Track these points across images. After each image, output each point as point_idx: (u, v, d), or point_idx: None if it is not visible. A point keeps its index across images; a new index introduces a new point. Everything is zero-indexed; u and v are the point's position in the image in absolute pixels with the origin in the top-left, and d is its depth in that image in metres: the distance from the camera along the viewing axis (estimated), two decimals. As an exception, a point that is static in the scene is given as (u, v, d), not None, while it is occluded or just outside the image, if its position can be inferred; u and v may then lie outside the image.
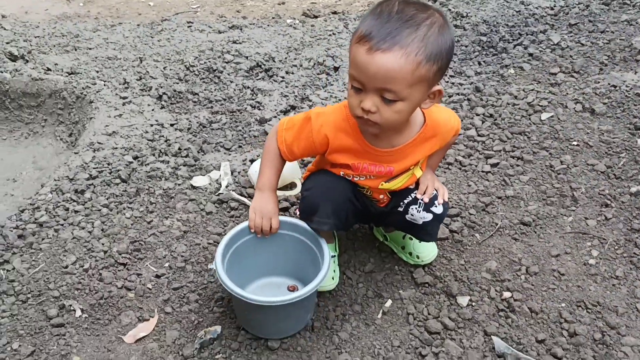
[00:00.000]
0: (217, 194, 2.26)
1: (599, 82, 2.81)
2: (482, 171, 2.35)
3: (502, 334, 1.67)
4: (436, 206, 1.70)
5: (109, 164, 2.42)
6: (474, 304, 1.77)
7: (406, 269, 1.92)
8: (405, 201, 1.71)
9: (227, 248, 1.68)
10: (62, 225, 2.10)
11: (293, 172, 2.25)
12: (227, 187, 2.28)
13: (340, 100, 2.87)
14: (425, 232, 1.77)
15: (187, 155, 2.48)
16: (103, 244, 2.01)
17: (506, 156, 2.43)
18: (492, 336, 1.66)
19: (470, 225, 2.09)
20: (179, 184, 2.32)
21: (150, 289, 1.86)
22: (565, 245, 1.98)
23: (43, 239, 2.04)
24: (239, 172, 2.38)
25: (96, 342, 1.70)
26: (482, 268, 1.91)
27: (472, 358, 1.60)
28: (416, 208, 1.69)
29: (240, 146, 2.57)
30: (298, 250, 1.78)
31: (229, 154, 2.52)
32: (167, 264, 1.95)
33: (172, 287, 1.86)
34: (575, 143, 2.45)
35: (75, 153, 2.50)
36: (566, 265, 1.90)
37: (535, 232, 2.05)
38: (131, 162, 2.44)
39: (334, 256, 1.72)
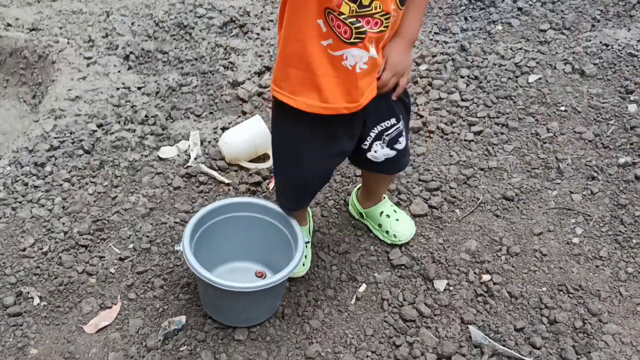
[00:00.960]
0: (185, 166, 2.14)
1: (590, 40, 2.67)
2: (465, 140, 2.24)
3: (480, 322, 1.61)
4: (400, 142, 1.59)
5: (71, 133, 2.28)
6: (451, 288, 1.70)
7: (382, 249, 1.84)
8: (373, 133, 1.55)
9: (195, 229, 1.58)
10: (20, 202, 1.98)
11: (265, 141, 2.13)
12: (195, 159, 2.16)
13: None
14: (388, 166, 1.66)
15: (154, 123, 2.34)
16: (64, 224, 1.90)
17: (490, 123, 2.31)
18: (468, 325, 1.59)
19: (451, 200, 1.99)
20: (146, 156, 2.19)
21: (113, 274, 1.76)
22: (549, 223, 1.90)
23: (0, 218, 1.92)
24: (209, 142, 2.25)
25: (55, 332, 1.62)
26: (462, 248, 1.83)
27: (448, 348, 1.54)
28: (380, 144, 1.57)
29: (211, 112, 2.43)
30: (268, 234, 1.68)
31: (199, 122, 2.38)
32: (131, 245, 1.85)
33: (136, 270, 1.77)
34: (563, 108, 2.34)
35: (36, 121, 2.35)
36: (549, 245, 1.83)
37: (518, 208, 1.96)
38: (95, 131, 2.30)
39: (308, 242, 1.62)
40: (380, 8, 1.26)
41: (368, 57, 1.33)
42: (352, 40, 1.28)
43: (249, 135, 2.11)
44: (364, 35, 1.28)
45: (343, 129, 1.48)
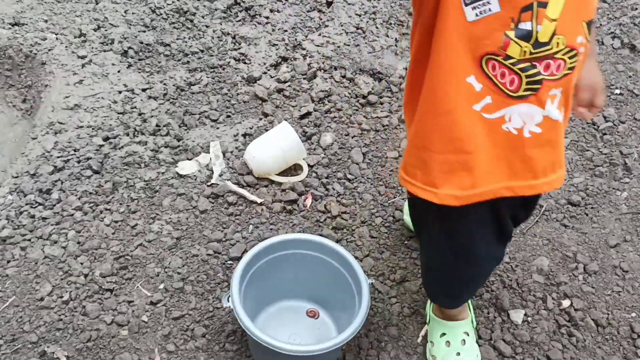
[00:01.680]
0: (209, 184, 1.91)
1: (637, 9, 2.43)
2: (515, 134, 2.03)
3: (569, 360, 1.44)
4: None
5: (75, 151, 2.03)
6: (529, 319, 1.52)
7: (444, 273, 1.65)
8: None
9: (243, 278, 1.38)
10: (29, 240, 1.75)
11: (296, 151, 1.90)
12: (220, 175, 1.93)
13: (339, 47, 2.45)
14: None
15: (167, 134, 2.10)
16: (82, 264, 1.68)
17: (540, 112, 2.09)
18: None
19: (511, 208, 1.79)
20: (163, 173, 1.96)
21: (145, 322, 1.56)
22: (624, 231, 1.72)
23: (8, 262, 1.70)
24: (231, 153, 2.02)
25: (90, 398, 1.42)
26: (532, 267, 1.64)
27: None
28: None
29: (228, 116, 2.19)
30: (320, 271, 1.49)
31: (217, 128, 2.14)
32: (162, 286, 1.64)
33: (171, 316, 1.57)
34: (617, 92, 2.12)
35: (34, 138, 2.10)
36: (628, 259, 1.65)
37: (587, 215, 1.77)
38: (102, 146, 2.05)
39: (371, 283, 1.42)
40: (563, 44, 0.93)
41: (542, 117, 0.98)
42: (520, 93, 0.96)
43: (279, 148, 1.88)
44: (538, 85, 0.95)
45: (506, 209, 1.15)
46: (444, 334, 1.42)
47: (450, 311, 1.42)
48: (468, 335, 1.42)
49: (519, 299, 1.57)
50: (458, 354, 1.38)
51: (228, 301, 1.32)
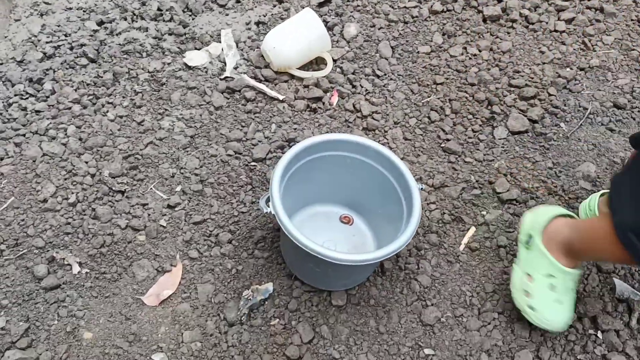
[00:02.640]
0: (223, 77, 1.72)
1: None
2: (556, 30, 1.86)
3: (621, 272, 1.37)
4: None
5: (66, 36, 1.80)
6: (578, 227, 1.43)
7: (484, 178, 1.54)
8: None
9: (281, 182, 1.23)
10: (23, 135, 1.56)
11: (321, 41, 1.71)
12: (235, 68, 1.73)
13: None
14: None
15: (171, 19, 1.86)
16: (87, 163, 1.51)
17: (582, 7, 1.92)
18: (609, 276, 1.35)
19: (553, 111, 1.66)
20: (169, 64, 1.75)
21: (164, 227, 1.42)
22: (673, 137, 1.61)
23: (2, 159, 1.52)
24: (244, 43, 1.81)
25: (108, 307, 1.31)
26: (577, 173, 1.54)
27: (590, 307, 1.30)
28: None
29: (238, 1, 1.95)
30: (359, 175, 1.35)
31: (226, 15, 1.90)
32: (178, 188, 1.49)
33: (192, 221, 1.43)
34: (665, -13, 1.95)
35: (17, 20, 1.84)
36: (679, 166, 1.55)
37: (634, 119, 1.66)
38: (96, 31, 1.81)
39: (421, 189, 1.28)
40: None
41: None
42: None
43: (303, 38, 1.68)
44: None
45: None
46: (552, 276, 1.21)
47: (576, 254, 1.21)
48: (572, 290, 1.25)
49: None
50: (560, 302, 1.22)
51: (268, 206, 1.18)
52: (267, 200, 1.21)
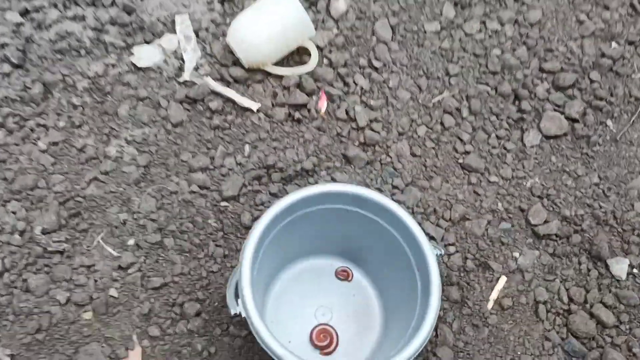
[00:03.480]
0: (181, 81, 1.37)
1: None
2: (596, -9, 1.48)
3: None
4: None
5: (-19, 33, 1.43)
6: (636, 272, 1.14)
7: (514, 204, 1.23)
8: None
9: (254, 262, 0.92)
10: None
11: (301, 25, 1.34)
12: (196, 69, 1.37)
13: None
14: None
15: (112, 3, 1.47)
16: (15, 214, 1.20)
17: (629, -44, 1.52)
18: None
19: (597, 104, 1.32)
20: (113, 65, 1.39)
21: (115, 298, 1.13)
22: None
23: None
24: (207, 30, 1.44)
25: (52, 411, 1.04)
26: (633, 192, 1.22)
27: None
28: None
29: (196, -29, 1.55)
30: (360, 229, 1.04)
31: (182, -9, 1.52)
32: (131, 241, 1.19)
33: (150, 286, 1.14)
34: None
35: None
36: None
37: (701, 112, 1.31)
38: (20, 25, 1.44)
39: (440, 255, 0.97)
40: None
41: None
42: None
43: (277, 24, 1.31)
44: None
45: None
46: None
47: None
48: None
49: (621, 243, 1.17)
50: None
51: (237, 303, 0.88)
52: (236, 291, 0.91)
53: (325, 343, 1.07)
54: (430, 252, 0.92)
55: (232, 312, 0.88)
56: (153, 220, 1.20)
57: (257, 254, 0.92)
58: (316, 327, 1.08)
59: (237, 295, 0.89)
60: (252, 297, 0.86)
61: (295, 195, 0.95)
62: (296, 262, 1.15)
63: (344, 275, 1.14)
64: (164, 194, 1.23)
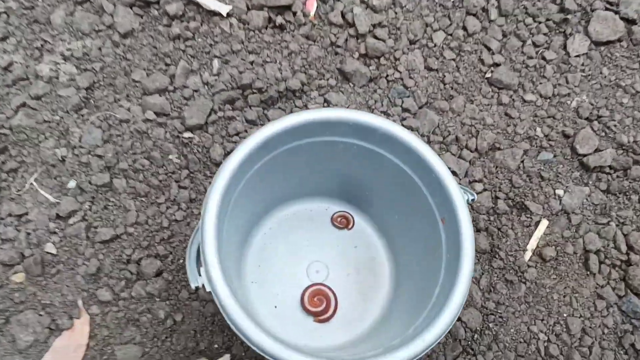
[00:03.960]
0: (131, -21, 1.07)
1: None
2: None
3: None
4: None
5: None
6: None
7: (556, 130, 0.97)
8: None
9: (225, 203, 0.67)
10: None
11: None
12: (149, -38, 1.07)
13: None
14: None
15: None
16: None
17: None
18: None
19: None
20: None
21: (54, 255, 0.89)
22: None
23: None
24: None
25: (-23, 399, 0.83)
26: None
27: None
28: None
29: None
30: (365, 166, 0.79)
31: None
32: (72, 183, 0.93)
33: (98, 239, 0.90)
34: None
35: None
36: None
37: None
38: None
39: (472, 200, 0.72)
40: None
41: None
42: None
43: None
44: None
45: None
46: None
47: None
48: None
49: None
50: None
51: (200, 274, 0.64)
52: (199, 255, 0.66)
53: (320, 308, 0.84)
54: (461, 199, 0.68)
55: (193, 285, 0.64)
56: (99, 156, 0.94)
57: (225, 205, 0.67)
58: (309, 287, 0.85)
59: (200, 261, 0.65)
60: (219, 265, 0.61)
61: (277, 125, 0.69)
62: (282, 206, 0.90)
63: (342, 223, 0.90)
64: (111, 123, 0.96)
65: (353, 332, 0.82)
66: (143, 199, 0.92)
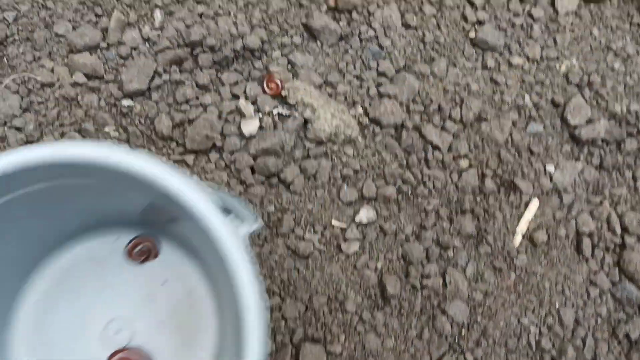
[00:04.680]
0: None
1: None
2: None
3: None
4: None
5: None
6: None
7: (546, 97, 0.88)
8: None
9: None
10: None
11: None
12: None
13: None
14: None
15: None
16: None
17: None
18: None
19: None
20: None
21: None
22: None
23: None
24: None
25: None
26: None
27: None
28: None
29: None
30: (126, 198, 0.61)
31: None
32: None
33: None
34: None
35: None
36: None
37: None
38: None
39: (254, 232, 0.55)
40: None
41: None
42: None
43: None
44: None
45: None
46: None
47: None
48: None
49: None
50: None
51: None
52: None
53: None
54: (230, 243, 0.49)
55: None
56: (17, 129, 0.78)
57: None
58: (112, 356, 0.66)
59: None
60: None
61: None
62: (56, 252, 0.69)
63: (142, 254, 0.70)
64: (31, 88, 0.79)
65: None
66: (74, 180, 0.77)
